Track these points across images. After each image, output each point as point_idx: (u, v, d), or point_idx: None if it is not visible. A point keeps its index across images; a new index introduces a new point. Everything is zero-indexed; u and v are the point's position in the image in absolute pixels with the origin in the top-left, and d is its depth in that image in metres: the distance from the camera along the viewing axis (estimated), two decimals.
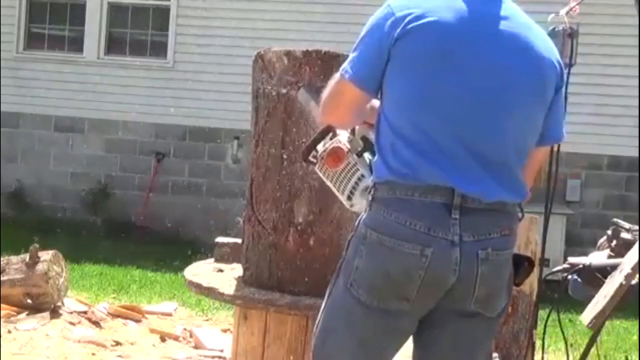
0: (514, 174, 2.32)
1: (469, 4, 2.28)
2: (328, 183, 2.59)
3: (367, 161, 2.50)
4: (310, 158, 2.63)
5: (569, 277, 3.23)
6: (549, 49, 2.36)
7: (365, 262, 2.30)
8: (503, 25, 2.30)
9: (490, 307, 2.33)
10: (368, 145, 2.51)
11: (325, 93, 2.41)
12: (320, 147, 2.61)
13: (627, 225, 3.33)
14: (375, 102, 2.40)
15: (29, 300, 5.30)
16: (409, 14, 2.25)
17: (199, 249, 6.52)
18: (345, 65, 2.34)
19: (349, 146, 2.54)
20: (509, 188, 2.30)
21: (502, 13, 2.31)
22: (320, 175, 2.62)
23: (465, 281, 2.25)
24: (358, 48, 2.33)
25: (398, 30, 2.24)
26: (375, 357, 2.35)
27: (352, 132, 2.57)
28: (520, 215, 2.38)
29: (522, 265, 2.40)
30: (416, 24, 2.23)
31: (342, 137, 2.57)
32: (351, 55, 2.34)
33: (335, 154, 2.54)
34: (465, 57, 2.25)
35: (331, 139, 2.59)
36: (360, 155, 2.53)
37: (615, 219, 3.43)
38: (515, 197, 2.33)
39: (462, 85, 2.25)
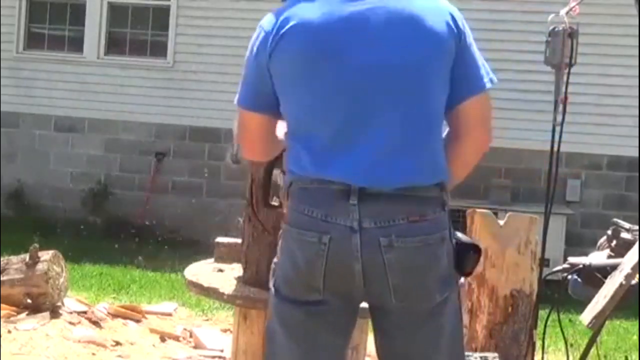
0: (426, 154, 2.25)
1: None
2: None
3: None
4: (273, 203, 2.62)
5: (569, 277, 3.23)
6: (431, 6, 2.27)
7: (281, 256, 2.32)
8: (368, 3, 2.23)
9: (417, 299, 2.24)
10: None
11: (234, 128, 2.45)
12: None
13: (627, 225, 3.33)
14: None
15: (29, 300, 5.30)
16: (275, 26, 2.26)
17: (199, 249, 6.52)
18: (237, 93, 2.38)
19: None
20: (419, 170, 2.23)
21: None
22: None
23: (375, 270, 2.20)
24: (243, 73, 2.36)
25: (269, 45, 2.26)
26: (312, 350, 2.29)
27: None
28: (443, 198, 2.27)
29: (467, 253, 2.30)
30: (282, 32, 2.23)
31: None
32: (240, 82, 2.37)
33: None
34: (336, 52, 2.22)
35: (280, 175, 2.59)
36: None
37: (615, 219, 3.43)
38: (427, 179, 2.24)
39: (339, 82, 2.22)
